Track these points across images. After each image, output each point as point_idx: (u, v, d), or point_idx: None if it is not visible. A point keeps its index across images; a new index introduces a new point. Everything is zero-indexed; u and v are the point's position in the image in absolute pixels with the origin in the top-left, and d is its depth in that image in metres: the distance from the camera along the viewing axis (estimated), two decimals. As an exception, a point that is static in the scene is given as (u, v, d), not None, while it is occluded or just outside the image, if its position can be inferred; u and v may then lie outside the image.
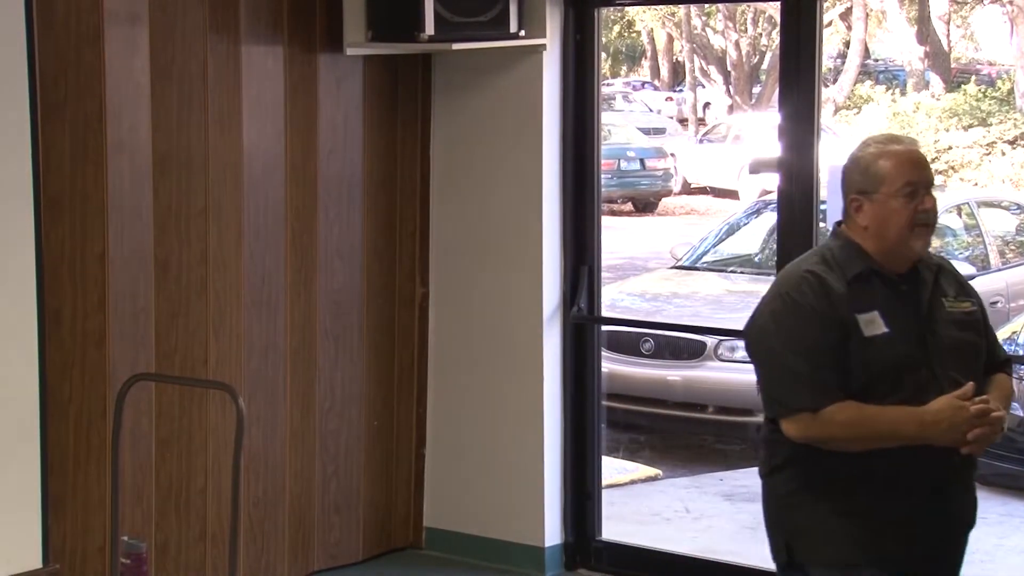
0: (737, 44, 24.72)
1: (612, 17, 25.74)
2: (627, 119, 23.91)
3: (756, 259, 10.90)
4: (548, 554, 6.10)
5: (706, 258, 11.13)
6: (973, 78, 22.08)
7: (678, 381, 9.07)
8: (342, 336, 6.01)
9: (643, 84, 32.08)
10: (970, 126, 18.73)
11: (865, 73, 24.36)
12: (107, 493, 5.14)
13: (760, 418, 9.31)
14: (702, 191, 21.15)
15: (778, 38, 5.80)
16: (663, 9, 25.08)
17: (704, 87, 26.60)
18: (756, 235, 11.14)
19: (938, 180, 15.56)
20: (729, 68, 25.10)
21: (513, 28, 5.74)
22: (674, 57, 30.65)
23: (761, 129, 18.74)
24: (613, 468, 8.08)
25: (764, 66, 25.44)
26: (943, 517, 3.68)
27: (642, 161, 20.28)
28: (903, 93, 21.88)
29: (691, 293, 10.54)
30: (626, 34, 30.68)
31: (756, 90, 25.02)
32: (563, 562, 6.14)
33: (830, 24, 23.31)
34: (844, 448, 3.59)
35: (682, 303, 10.34)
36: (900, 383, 3.59)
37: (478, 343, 6.18)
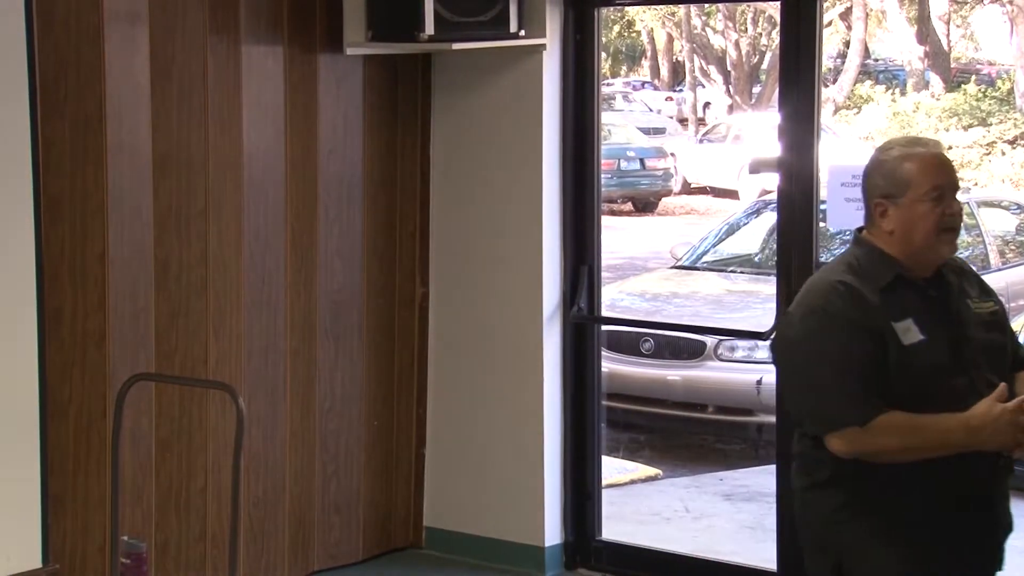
0: (737, 44, 24.73)
1: (612, 17, 25.74)
2: (627, 119, 23.92)
3: (756, 259, 10.90)
4: (548, 554, 6.10)
5: (706, 258, 11.13)
6: (973, 78, 22.10)
7: (678, 381, 9.07)
8: (342, 336, 6.01)
9: (643, 84, 32.11)
10: (970, 126, 18.75)
11: (865, 73, 24.38)
12: (107, 493, 5.13)
13: (760, 418, 9.33)
14: (702, 191, 21.15)
15: (778, 38, 5.80)
16: (663, 9, 25.09)
17: (704, 87, 26.61)
18: (756, 235, 11.13)
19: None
20: (729, 68, 25.12)
21: (513, 28, 5.74)
22: (674, 57, 30.66)
23: (761, 129, 18.75)
24: (613, 468, 8.08)
25: (764, 66, 25.45)
26: (989, 524, 3.63)
27: (642, 161, 20.28)
28: (903, 93, 21.89)
29: (691, 293, 10.54)
30: (626, 34, 30.70)
31: (756, 90, 25.03)
32: (563, 562, 6.14)
33: (830, 24, 23.33)
34: (892, 460, 3.52)
35: (682, 303, 10.34)
36: (940, 390, 3.53)
37: (478, 343, 6.18)
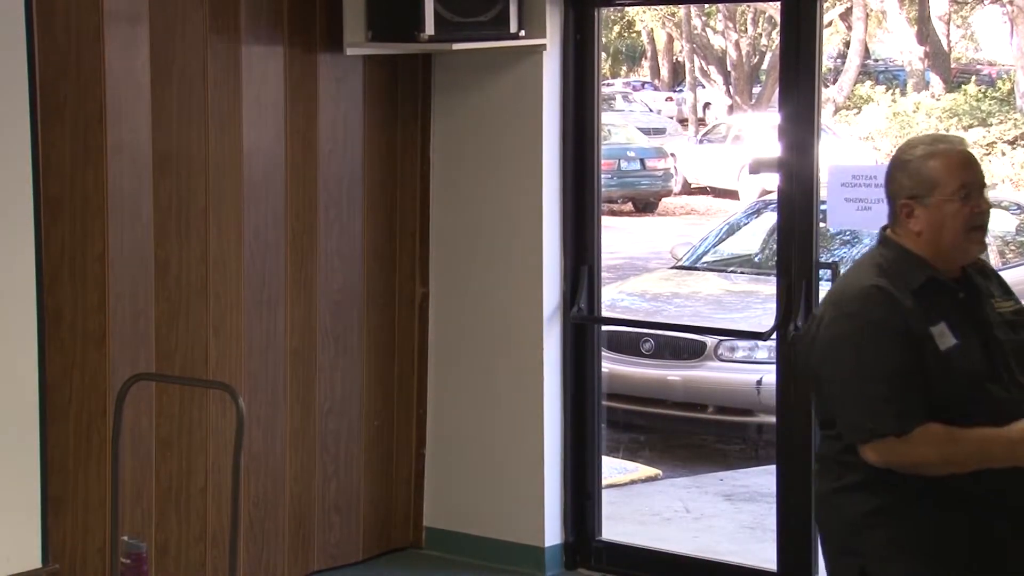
0: (737, 44, 24.75)
1: (612, 17, 25.76)
2: (627, 119, 23.95)
3: (756, 259, 10.89)
4: (548, 554, 6.10)
5: (706, 258, 11.13)
6: (973, 78, 22.12)
7: (678, 381, 9.07)
8: (342, 336, 6.01)
9: (643, 84, 32.14)
10: (970, 126, 18.76)
11: (865, 73, 24.40)
12: (107, 493, 5.14)
13: (760, 418, 9.33)
14: (702, 191, 21.17)
15: (778, 38, 5.80)
16: (663, 9, 25.12)
17: (704, 87, 26.63)
18: (756, 235, 11.12)
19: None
20: (729, 68, 25.14)
21: (513, 28, 5.74)
22: (674, 57, 30.68)
23: (761, 129, 18.76)
24: (613, 468, 8.08)
25: (764, 66, 25.47)
26: (1021, 533, 3.51)
27: (642, 161, 20.30)
28: (903, 93, 21.90)
29: (691, 293, 10.53)
30: (626, 34, 30.72)
31: (756, 90, 25.05)
32: (563, 562, 6.14)
33: (830, 24, 23.35)
34: (929, 472, 3.41)
35: (682, 303, 10.33)
36: (977, 396, 3.43)
37: (478, 343, 6.18)
